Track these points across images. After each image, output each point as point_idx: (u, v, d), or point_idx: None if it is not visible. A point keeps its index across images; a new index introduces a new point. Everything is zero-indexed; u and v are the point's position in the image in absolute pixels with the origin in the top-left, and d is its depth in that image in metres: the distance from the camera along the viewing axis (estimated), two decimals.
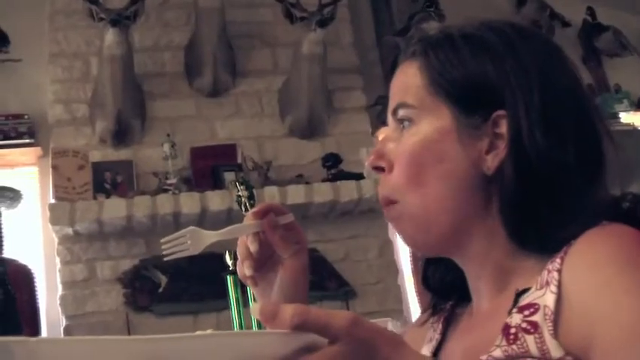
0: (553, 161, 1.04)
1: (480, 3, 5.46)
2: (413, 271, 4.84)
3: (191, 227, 1.23)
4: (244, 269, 1.24)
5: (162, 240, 1.21)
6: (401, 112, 1.15)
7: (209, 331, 0.80)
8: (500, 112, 1.08)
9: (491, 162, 1.08)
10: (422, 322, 1.30)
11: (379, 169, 1.17)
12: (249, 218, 1.23)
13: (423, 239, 1.14)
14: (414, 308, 5.00)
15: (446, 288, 1.26)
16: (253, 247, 1.22)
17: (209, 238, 1.22)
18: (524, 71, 1.09)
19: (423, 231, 1.13)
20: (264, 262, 1.26)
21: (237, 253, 1.25)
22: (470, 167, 1.09)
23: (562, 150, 1.05)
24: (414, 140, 1.12)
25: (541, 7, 6.04)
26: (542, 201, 1.04)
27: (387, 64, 5.42)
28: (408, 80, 1.16)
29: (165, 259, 1.21)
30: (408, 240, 1.17)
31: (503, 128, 1.08)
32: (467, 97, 1.10)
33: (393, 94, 1.19)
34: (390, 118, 1.19)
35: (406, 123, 1.14)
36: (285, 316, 0.73)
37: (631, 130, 5.79)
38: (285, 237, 1.24)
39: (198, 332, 0.76)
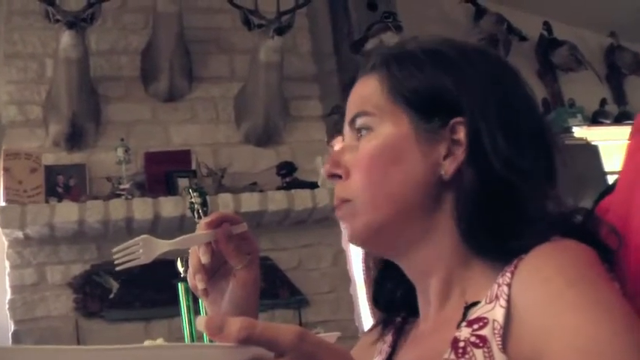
0: (514, 166, 1.06)
1: (437, 15, 5.50)
2: (365, 281, 4.84)
3: (143, 236, 1.22)
4: (196, 282, 1.24)
5: (114, 249, 1.20)
6: (359, 121, 1.16)
7: (159, 341, 0.79)
8: (458, 119, 1.10)
9: (449, 167, 1.09)
10: (372, 336, 1.30)
11: (335, 176, 1.17)
12: (202, 227, 1.23)
13: (373, 238, 1.15)
14: (366, 318, 5.00)
15: (396, 303, 1.26)
16: (205, 259, 1.22)
17: (161, 247, 1.22)
18: (482, 84, 1.11)
19: (373, 229, 1.13)
20: (216, 271, 1.26)
21: (189, 264, 1.25)
22: (427, 171, 1.10)
23: (521, 157, 1.07)
24: (373, 144, 1.13)
25: (499, 20, 6.10)
26: (500, 206, 1.05)
27: (344, 74, 5.45)
28: (368, 91, 1.17)
29: (117, 268, 1.20)
30: (358, 239, 1.17)
31: (461, 134, 1.10)
32: (426, 104, 1.12)
33: (350, 105, 1.20)
34: (346, 128, 1.20)
35: (364, 131, 1.15)
36: (231, 330, 0.72)
37: (584, 145, 5.86)
38: (238, 247, 1.24)
39: (147, 342, 0.75)
